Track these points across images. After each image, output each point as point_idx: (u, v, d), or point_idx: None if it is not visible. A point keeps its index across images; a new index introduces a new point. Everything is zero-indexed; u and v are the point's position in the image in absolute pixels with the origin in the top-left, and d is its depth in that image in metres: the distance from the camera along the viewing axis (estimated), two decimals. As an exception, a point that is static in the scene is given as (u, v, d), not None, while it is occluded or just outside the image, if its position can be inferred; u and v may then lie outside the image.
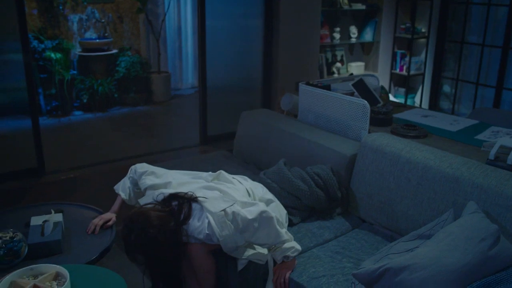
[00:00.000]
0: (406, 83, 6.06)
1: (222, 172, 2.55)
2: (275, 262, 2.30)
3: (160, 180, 2.39)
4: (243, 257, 2.29)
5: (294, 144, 3.07)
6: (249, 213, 2.17)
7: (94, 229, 2.37)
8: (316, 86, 3.25)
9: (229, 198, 2.26)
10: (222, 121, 5.18)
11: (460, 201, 2.24)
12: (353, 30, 5.93)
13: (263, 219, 2.16)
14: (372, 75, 3.75)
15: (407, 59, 5.99)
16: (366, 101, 2.92)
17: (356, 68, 5.92)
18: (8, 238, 2.05)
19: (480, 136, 2.92)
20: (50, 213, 2.38)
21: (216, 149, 4.39)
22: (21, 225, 2.36)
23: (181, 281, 2.38)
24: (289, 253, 2.22)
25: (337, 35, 5.76)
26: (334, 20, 5.83)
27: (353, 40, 5.96)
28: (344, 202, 2.77)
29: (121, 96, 6.25)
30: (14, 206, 2.63)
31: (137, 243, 2.08)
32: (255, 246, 2.32)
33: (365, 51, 6.23)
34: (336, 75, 5.79)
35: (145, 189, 2.39)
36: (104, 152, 4.73)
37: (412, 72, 6.01)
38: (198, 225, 2.18)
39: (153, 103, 6.53)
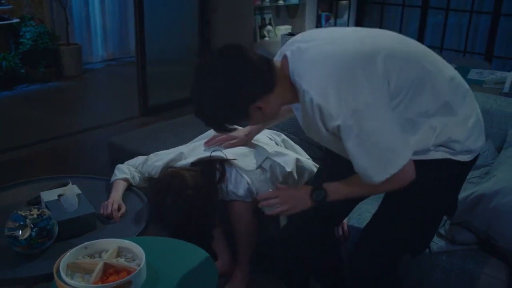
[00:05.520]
0: (332, 45, 6.14)
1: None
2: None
3: (169, 156, 2.07)
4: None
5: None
6: (286, 164, 2.01)
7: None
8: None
9: (260, 151, 2.05)
10: (161, 91, 4.87)
11: (494, 132, 2.28)
12: (280, -8, 5.84)
13: (300, 168, 2.03)
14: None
15: (331, 21, 6.07)
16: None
17: (285, 31, 5.84)
18: (35, 216, 1.63)
19: (470, 77, 3.01)
20: (57, 187, 1.96)
21: (159, 119, 4.05)
22: (23, 203, 1.91)
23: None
24: None
25: (266, -3, 5.62)
26: (261, -18, 5.67)
27: (281, 2, 5.86)
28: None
29: (29, 71, 5.48)
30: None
31: (175, 207, 1.82)
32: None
33: (290, 14, 6.17)
34: (267, 39, 5.67)
35: (157, 173, 2.05)
36: (32, 132, 4.13)
37: (336, 34, 6.09)
38: (234, 185, 1.97)
39: (64, 78, 5.83)
